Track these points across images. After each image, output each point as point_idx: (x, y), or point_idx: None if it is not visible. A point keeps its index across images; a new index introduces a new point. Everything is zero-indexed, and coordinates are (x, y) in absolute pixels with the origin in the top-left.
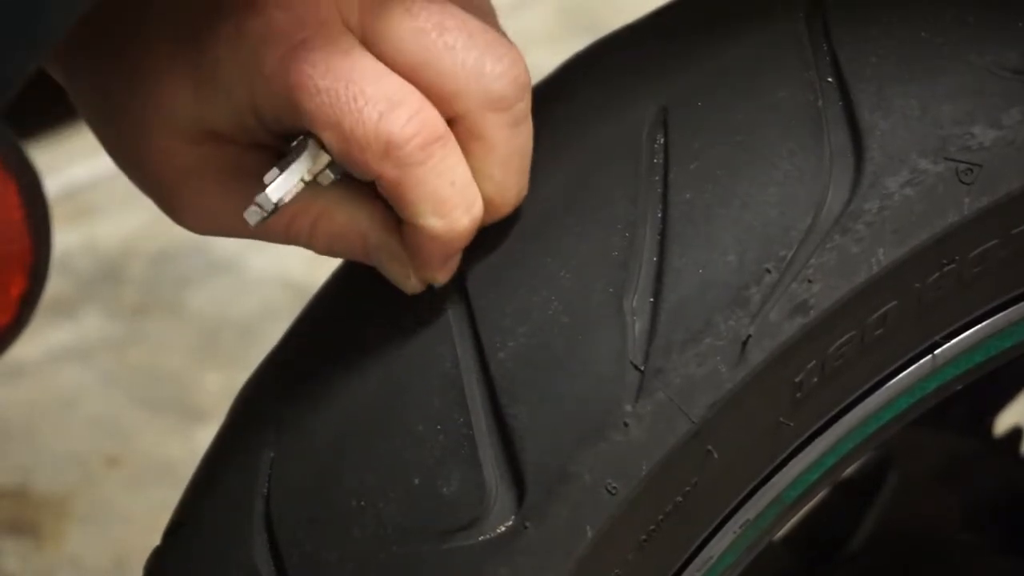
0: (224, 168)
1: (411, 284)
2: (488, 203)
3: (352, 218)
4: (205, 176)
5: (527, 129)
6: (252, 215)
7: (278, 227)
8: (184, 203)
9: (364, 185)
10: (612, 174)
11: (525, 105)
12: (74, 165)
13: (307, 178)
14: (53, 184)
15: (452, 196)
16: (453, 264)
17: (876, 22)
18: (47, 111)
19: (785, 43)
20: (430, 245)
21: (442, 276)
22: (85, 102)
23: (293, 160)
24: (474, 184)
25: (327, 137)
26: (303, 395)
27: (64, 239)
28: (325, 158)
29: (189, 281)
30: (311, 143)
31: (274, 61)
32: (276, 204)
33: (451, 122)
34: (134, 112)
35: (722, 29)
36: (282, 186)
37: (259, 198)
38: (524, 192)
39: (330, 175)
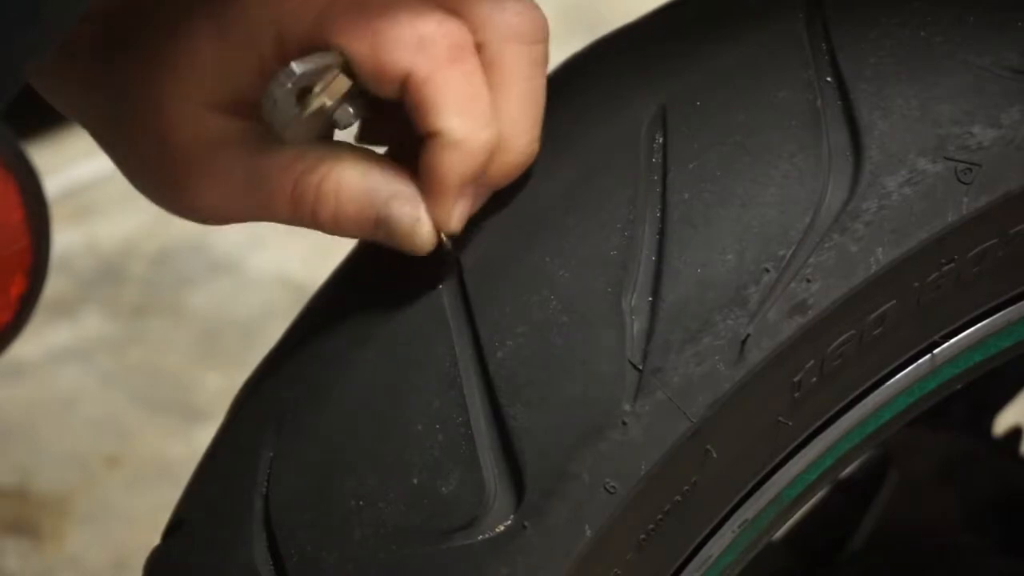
0: (240, 142)
1: (423, 232)
2: (500, 143)
3: (363, 174)
4: (222, 147)
5: (542, 76)
6: (275, 88)
7: (284, 189)
8: (197, 176)
9: (373, 152)
10: (611, 173)
11: (543, 49)
12: (74, 165)
13: (328, 102)
14: (53, 184)
15: (476, 104)
16: (465, 206)
17: (875, 22)
18: (47, 111)
19: (785, 43)
20: (448, 160)
21: (455, 217)
22: (100, 106)
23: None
24: (492, 111)
25: (358, 46)
26: (302, 395)
27: (64, 239)
28: (346, 82)
29: (189, 281)
30: (335, 50)
31: None
32: (300, 77)
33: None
34: (156, 85)
35: (722, 29)
36: (306, 63)
37: (283, 71)
38: (535, 148)
39: (349, 112)
